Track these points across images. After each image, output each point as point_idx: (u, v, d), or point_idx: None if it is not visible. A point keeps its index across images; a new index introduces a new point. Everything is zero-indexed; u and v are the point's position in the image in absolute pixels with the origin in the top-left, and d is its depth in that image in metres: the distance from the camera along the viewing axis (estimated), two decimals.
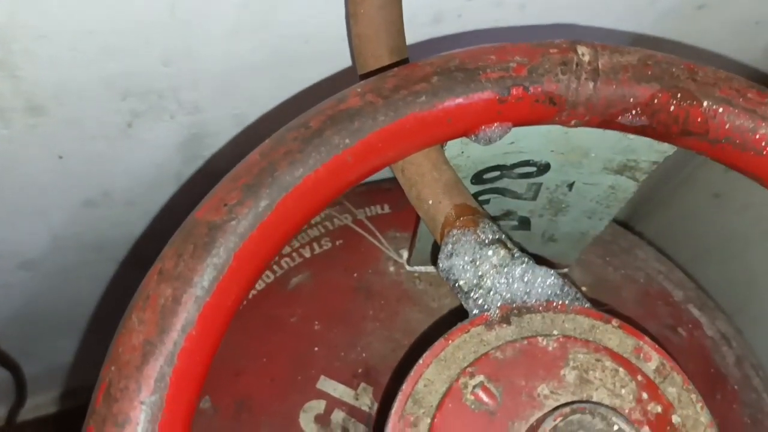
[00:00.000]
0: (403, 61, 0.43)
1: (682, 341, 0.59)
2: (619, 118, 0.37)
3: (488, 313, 0.37)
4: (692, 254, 0.92)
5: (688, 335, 0.59)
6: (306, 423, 0.53)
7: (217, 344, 0.31)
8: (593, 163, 0.45)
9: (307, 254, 0.61)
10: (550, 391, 0.35)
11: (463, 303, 0.38)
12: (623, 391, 0.35)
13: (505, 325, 0.36)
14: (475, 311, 0.37)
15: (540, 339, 0.36)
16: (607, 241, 0.64)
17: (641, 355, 0.36)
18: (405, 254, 0.58)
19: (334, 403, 0.52)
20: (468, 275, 0.38)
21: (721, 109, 0.36)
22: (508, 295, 0.37)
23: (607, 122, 0.37)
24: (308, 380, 0.54)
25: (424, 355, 0.36)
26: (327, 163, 0.33)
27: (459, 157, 0.43)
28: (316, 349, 0.55)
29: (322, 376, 0.54)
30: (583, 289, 0.59)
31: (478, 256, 0.38)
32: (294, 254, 0.61)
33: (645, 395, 0.35)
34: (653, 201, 0.98)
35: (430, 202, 0.41)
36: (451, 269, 0.38)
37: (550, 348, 0.36)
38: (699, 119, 0.36)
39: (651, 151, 0.42)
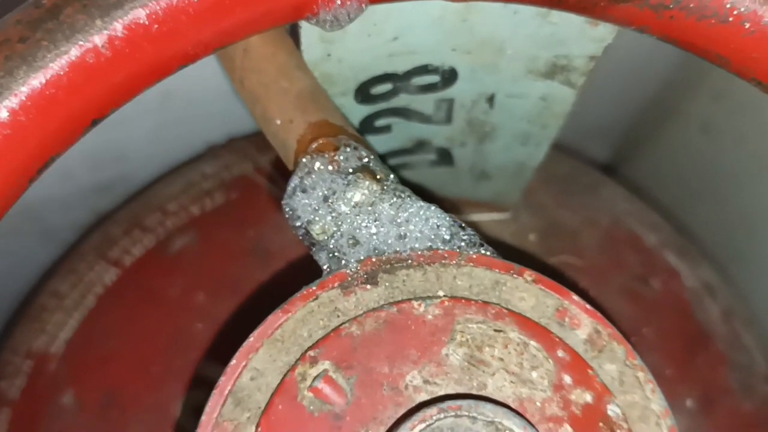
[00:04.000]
0: None
1: (654, 295, 0.48)
2: None
3: (346, 271, 0.26)
4: (682, 197, 0.81)
5: (663, 287, 0.48)
6: (186, 419, 0.42)
7: None
8: (513, 65, 0.33)
9: (197, 211, 0.50)
10: (423, 380, 0.24)
11: (315, 258, 0.27)
12: (534, 374, 0.24)
13: (369, 287, 0.25)
14: (330, 268, 0.27)
15: (416, 304, 0.25)
16: (563, 179, 0.53)
17: (566, 319, 0.25)
18: None
19: None
20: (320, 218, 0.27)
21: None
22: (376, 243, 0.26)
23: None
24: (188, 365, 0.43)
25: (252, 334, 0.25)
26: (73, 61, 0.22)
27: (326, 62, 0.32)
28: (198, 325, 0.44)
29: (206, 359, 0.43)
30: (531, 237, 0.48)
31: (333, 191, 0.27)
32: (181, 212, 0.50)
33: (567, 379, 0.24)
34: (635, 140, 0.87)
35: (278, 121, 0.30)
36: (296, 211, 0.27)
37: (430, 316, 0.25)
38: None
39: (584, 40, 0.31)
